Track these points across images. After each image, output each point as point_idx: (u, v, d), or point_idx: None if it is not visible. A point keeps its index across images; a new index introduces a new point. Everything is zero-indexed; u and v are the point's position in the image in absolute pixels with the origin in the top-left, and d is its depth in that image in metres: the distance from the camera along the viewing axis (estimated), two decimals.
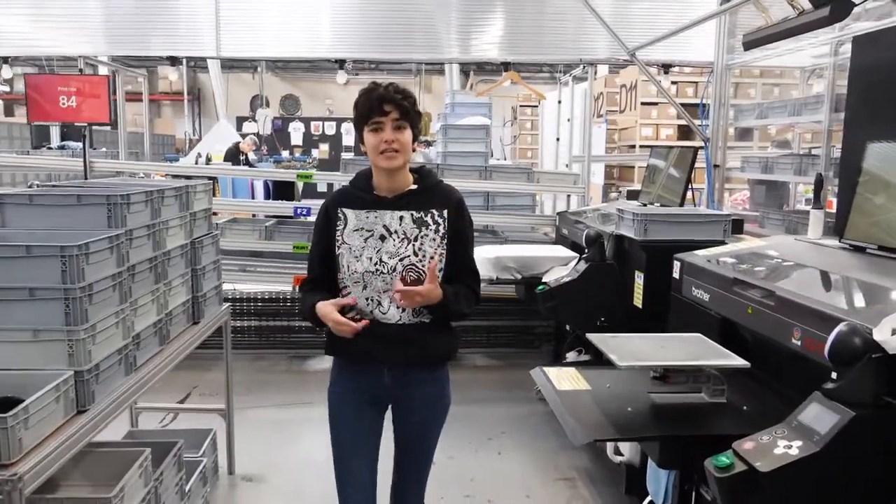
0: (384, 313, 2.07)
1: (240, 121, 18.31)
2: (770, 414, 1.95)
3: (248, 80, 20.31)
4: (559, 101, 5.63)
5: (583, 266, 3.67)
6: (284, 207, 4.93)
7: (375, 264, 2.04)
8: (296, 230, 4.86)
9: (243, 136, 12.18)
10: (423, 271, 2.04)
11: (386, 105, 2.01)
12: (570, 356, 4.04)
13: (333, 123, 19.31)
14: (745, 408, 2.12)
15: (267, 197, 5.96)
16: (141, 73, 7.31)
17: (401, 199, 2.09)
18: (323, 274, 2.15)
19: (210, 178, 6.85)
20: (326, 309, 2.02)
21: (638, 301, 3.41)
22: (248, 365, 5.33)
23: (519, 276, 3.96)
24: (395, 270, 2.04)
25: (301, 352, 5.47)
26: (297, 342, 5.44)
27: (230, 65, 20.24)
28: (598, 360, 3.65)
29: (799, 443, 1.53)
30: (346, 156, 18.59)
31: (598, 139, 5.90)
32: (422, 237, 2.06)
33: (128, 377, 2.43)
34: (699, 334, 2.32)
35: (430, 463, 2.30)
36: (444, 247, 2.09)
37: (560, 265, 3.96)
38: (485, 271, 3.93)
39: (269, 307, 5.35)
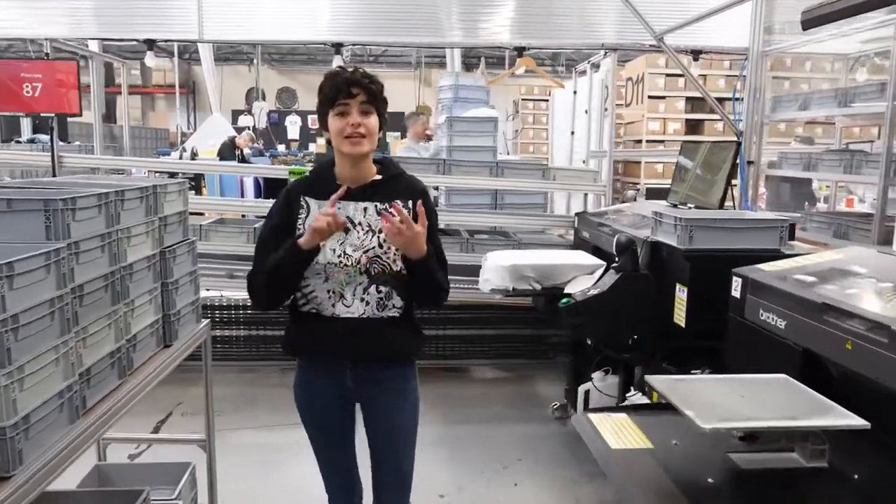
0: (347, 306, 1.98)
1: (235, 114, 17.77)
2: (888, 482, 1.50)
3: (243, 72, 19.75)
4: (574, 92, 5.14)
5: (612, 277, 3.19)
6: None
7: (339, 256, 1.97)
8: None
9: (238, 129, 11.64)
10: (388, 264, 1.98)
11: (353, 87, 1.93)
12: (597, 377, 3.56)
13: None
14: (855, 476, 1.64)
15: (258, 195, 5.45)
16: (126, 63, 6.74)
17: (365, 190, 2.02)
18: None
19: (196, 174, 6.42)
20: (311, 226, 1.88)
21: (680, 319, 2.93)
22: (236, 378, 4.85)
23: (538, 287, 3.47)
24: (359, 263, 1.97)
25: (293, 363, 4.96)
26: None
27: (224, 57, 19.69)
28: (634, 387, 3.26)
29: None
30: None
31: (585, 134, 5.40)
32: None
33: (75, 424, 1.94)
34: (785, 377, 1.83)
35: (410, 478, 2.18)
36: None
37: (584, 274, 3.47)
38: (500, 281, 3.44)
39: (258, 316, 4.86)
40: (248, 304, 4.83)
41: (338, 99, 1.94)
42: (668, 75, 10.60)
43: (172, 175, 5.41)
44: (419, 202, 1.98)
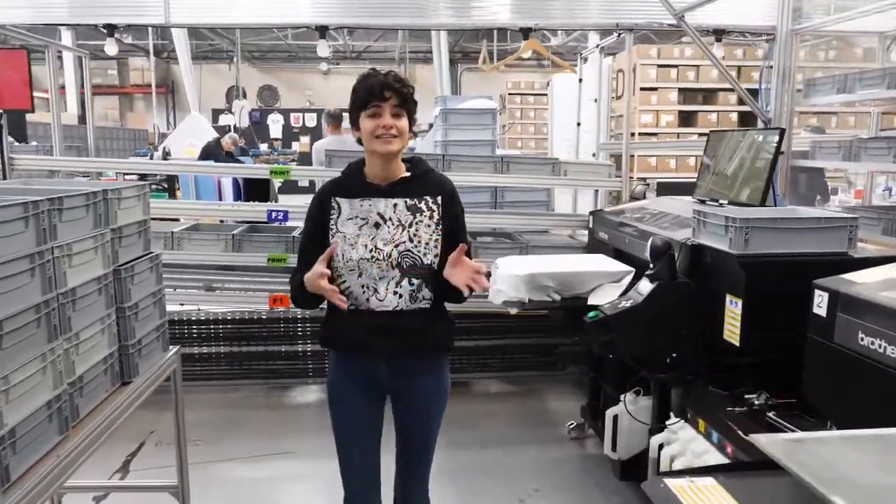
0: (381, 300, 2.04)
1: (216, 113, 17.16)
2: None
3: (223, 70, 19.13)
4: (580, 80, 4.68)
5: (647, 286, 2.73)
6: (256, 211, 3.92)
7: (371, 251, 2.02)
8: (270, 239, 3.86)
9: (220, 130, 11.08)
10: (419, 258, 2.03)
11: (386, 91, 1.97)
12: (628, 399, 3.11)
13: (314, 115, 18.21)
14: None
15: (238, 198, 4.96)
16: (101, 62, 6.16)
17: (394, 187, 2.06)
18: (313, 264, 2.01)
19: (169, 176, 5.90)
20: (311, 275, 1.96)
21: (731, 335, 2.48)
22: (218, 399, 4.35)
23: (557, 298, 3.02)
24: (390, 257, 2.02)
25: (281, 381, 4.49)
26: (275, 370, 4.46)
27: (204, 55, 19.05)
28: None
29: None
30: (327, 147, 17.59)
31: (593, 125, 4.93)
32: (416, 223, 2.05)
33: None
34: None
35: (432, 454, 2.26)
36: (439, 233, 2.06)
37: (610, 282, 3.02)
38: (514, 292, 2.98)
39: (241, 330, 4.36)
40: (229, 317, 4.34)
41: (370, 101, 1.98)
42: (659, 66, 10.18)
43: (144, 178, 4.90)
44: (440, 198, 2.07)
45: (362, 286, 2.03)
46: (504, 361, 4.61)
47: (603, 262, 3.17)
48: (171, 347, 2.57)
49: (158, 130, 12.85)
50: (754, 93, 4.07)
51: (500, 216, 4.34)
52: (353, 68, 19.91)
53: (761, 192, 3.04)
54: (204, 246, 3.81)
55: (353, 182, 2.08)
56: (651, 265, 2.76)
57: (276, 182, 5.05)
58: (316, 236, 2.07)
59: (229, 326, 4.36)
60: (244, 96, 17.52)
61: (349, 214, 2.04)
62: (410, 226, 2.03)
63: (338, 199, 2.07)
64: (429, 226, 2.05)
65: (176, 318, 4.32)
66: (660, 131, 9.71)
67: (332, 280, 1.98)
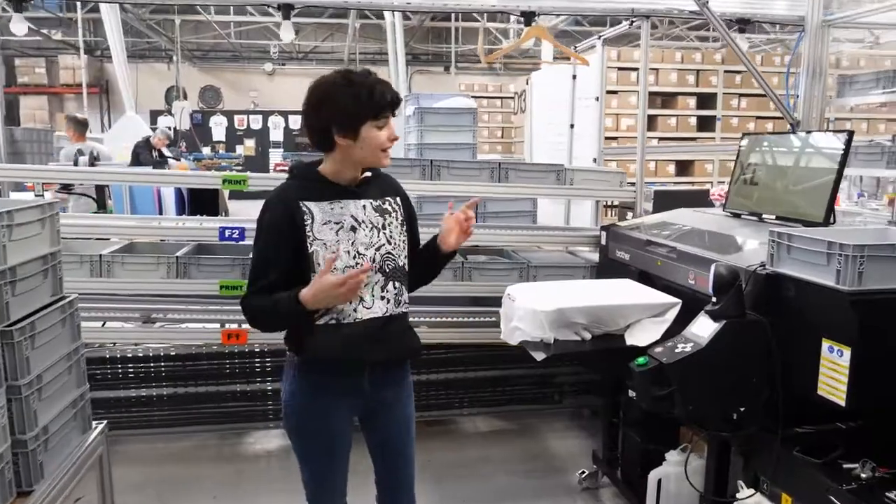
0: (368, 308, 1.90)
1: (154, 115, 16.04)
2: None
3: (162, 70, 17.95)
4: (573, 76, 4.11)
5: (709, 325, 2.16)
6: (204, 228, 3.17)
7: (354, 258, 1.87)
8: (223, 262, 3.12)
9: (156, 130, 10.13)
10: (397, 259, 1.95)
11: (397, 106, 1.88)
12: (673, 458, 2.53)
13: (259, 117, 17.26)
14: None
15: (181, 210, 4.14)
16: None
17: (360, 188, 1.93)
18: (277, 283, 1.82)
19: (98, 186, 5.02)
20: (320, 284, 1.72)
21: (833, 392, 1.92)
22: (160, 452, 3.60)
23: (588, 337, 2.41)
24: (374, 261, 1.90)
25: (236, 426, 3.75)
26: (230, 413, 3.71)
27: (140, 53, 17.83)
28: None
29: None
30: (275, 152, 16.65)
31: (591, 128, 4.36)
32: (388, 225, 1.95)
33: None
34: None
35: (414, 465, 2.13)
36: (405, 234, 1.99)
37: (650, 316, 2.44)
38: (537, 331, 2.37)
39: (187, 368, 3.60)
40: (172, 353, 3.58)
41: (384, 112, 1.85)
42: (619, 69, 9.79)
43: (67, 187, 4.08)
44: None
45: None
46: (494, 394, 3.97)
47: (641, 292, 2.58)
48: (94, 425, 1.84)
49: (90, 132, 11.72)
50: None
51: (498, 232, 3.66)
52: (300, 69, 18.99)
53: (825, 208, 2.51)
54: (138, 272, 3.04)
55: (315, 185, 1.90)
56: (714, 299, 2.19)
57: (226, 190, 4.30)
58: (283, 250, 1.83)
59: (173, 364, 3.60)
60: (185, 97, 16.44)
61: (322, 219, 1.86)
62: (384, 227, 1.93)
63: (306, 203, 1.86)
64: (398, 227, 1.97)
65: (108, 356, 3.54)
66: (620, 135, 9.32)
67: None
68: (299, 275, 1.81)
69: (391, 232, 1.93)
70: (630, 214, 4.77)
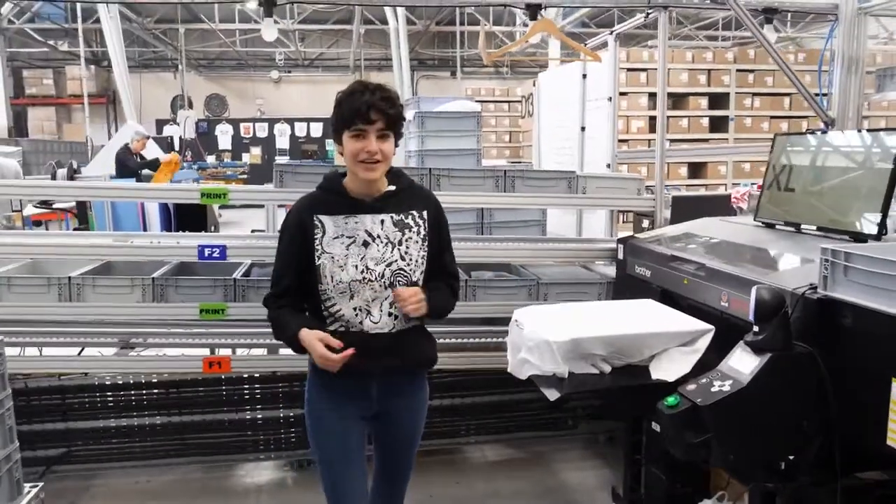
0: (375, 322, 1.93)
1: (160, 124, 15.90)
2: None
3: (168, 79, 17.79)
4: (584, 76, 3.80)
5: (750, 359, 1.84)
6: (181, 247, 2.87)
7: (362, 272, 1.90)
8: (204, 283, 2.82)
9: (163, 141, 9.87)
10: (410, 276, 1.94)
11: (373, 113, 1.82)
12: None
13: (265, 125, 17.04)
14: None
15: (167, 225, 3.86)
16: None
17: (379, 202, 1.94)
18: (293, 286, 1.96)
19: (79, 202, 4.74)
20: (311, 340, 1.86)
21: None
22: (143, 486, 3.30)
23: (607, 370, 2.09)
24: (383, 277, 1.91)
25: (225, 458, 3.44)
26: (217, 444, 3.40)
27: (146, 63, 17.68)
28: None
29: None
30: (280, 160, 16.39)
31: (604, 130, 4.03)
32: (406, 240, 1.94)
33: None
34: None
35: (409, 477, 2.19)
36: (425, 249, 1.97)
37: (678, 345, 2.11)
38: (549, 364, 2.04)
39: (170, 396, 3.30)
40: (155, 380, 3.28)
41: (355, 123, 1.83)
42: (629, 70, 9.46)
43: (46, 203, 3.80)
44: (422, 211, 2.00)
45: (354, 309, 1.92)
46: (502, 421, 3.65)
47: (668, 317, 2.25)
48: (27, 489, 1.54)
49: (92, 143, 11.52)
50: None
51: (504, 246, 3.31)
52: (306, 76, 18.79)
53: (878, 219, 2.17)
54: (112, 294, 2.75)
55: (334, 198, 1.94)
56: (755, 328, 1.87)
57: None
58: (297, 257, 1.93)
59: (156, 392, 3.30)
60: (190, 106, 16.26)
61: (334, 233, 1.91)
62: (400, 243, 1.93)
63: (320, 216, 1.92)
64: (417, 242, 1.95)
65: (85, 383, 3.25)
66: (631, 138, 8.99)
67: (319, 304, 1.93)
68: (310, 282, 1.92)
69: (408, 248, 1.93)
70: (647, 223, 4.43)
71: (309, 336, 1.87)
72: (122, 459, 3.35)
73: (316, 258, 1.89)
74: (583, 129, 3.90)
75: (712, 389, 1.83)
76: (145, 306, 2.77)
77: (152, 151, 8.31)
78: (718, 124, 10.08)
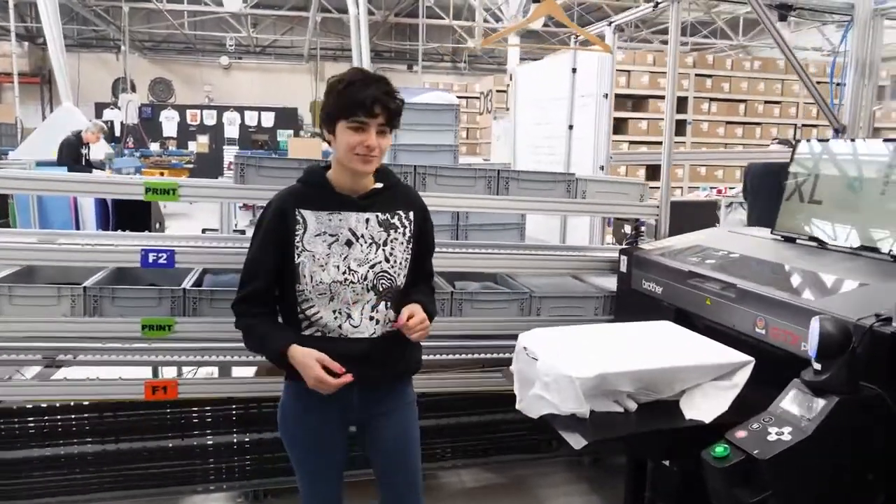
0: (355, 326, 1.81)
1: (99, 108, 14.99)
2: None
3: (110, 60, 16.80)
4: (573, 70, 3.49)
5: (813, 402, 1.56)
6: (121, 251, 2.41)
7: (344, 273, 1.78)
8: (147, 295, 2.38)
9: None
10: (394, 279, 1.83)
11: (377, 107, 1.70)
12: None
13: (214, 112, 16.27)
14: None
15: (104, 225, 3.35)
16: None
17: (366, 200, 1.82)
18: (267, 288, 1.81)
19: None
20: (307, 361, 1.72)
21: None
22: None
23: (632, 407, 1.79)
24: (366, 279, 1.80)
25: (170, 490, 2.99)
26: (162, 475, 2.96)
27: (85, 42, 16.65)
28: None
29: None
30: (230, 149, 15.67)
31: (598, 129, 3.75)
32: (391, 241, 1.83)
33: None
34: None
35: (419, 468, 2.04)
36: (410, 251, 1.86)
37: (710, 379, 1.82)
38: (570, 403, 1.73)
39: (106, 420, 2.84)
40: (86, 403, 2.81)
41: (357, 114, 1.70)
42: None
43: None
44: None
45: (334, 311, 1.80)
46: (480, 443, 3.31)
47: (700, 346, 1.95)
48: None
49: (22, 125, 10.66)
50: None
51: (492, 255, 2.92)
52: (257, 63, 18.05)
53: None
54: (35, 307, 2.29)
55: (319, 192, 1.82)
56: (817, 365, 1.58)
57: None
58: (273, 255, 1.79)
59: (87, 416, 2.84)
60: (133, 90, 15.38)
61: (316, 230, 1.79)
62: (385, 244, 1.83)
63: (302, 211, 1.79)
64: (402, 243, 1.85)
65: (3, 408, 2.77)
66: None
67: (293, 306, 1.80)
68: (285, 283, 1.79)
69: (393, 249, 1.83)
70: (627, 227, 4.16)
71: (304, 356, 1.73)
72: (49, 495, 2.87)
73: (295, 256, 1.77)
74: (570, 127, 3.59)
75: (769, 438, 1.55)
76: (74, 321, 2.32)
77: (102, 149, 7.71)
78: (676, 127, 10.01)
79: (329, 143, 1.79)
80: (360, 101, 1.68)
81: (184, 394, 2.55)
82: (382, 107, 1.70)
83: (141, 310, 2.39)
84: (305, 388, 1.79)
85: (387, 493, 2.02)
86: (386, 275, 1.82)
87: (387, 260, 1.82)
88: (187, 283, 2.54)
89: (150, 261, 2.34)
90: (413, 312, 1.77)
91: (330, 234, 1.78)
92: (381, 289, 1.81)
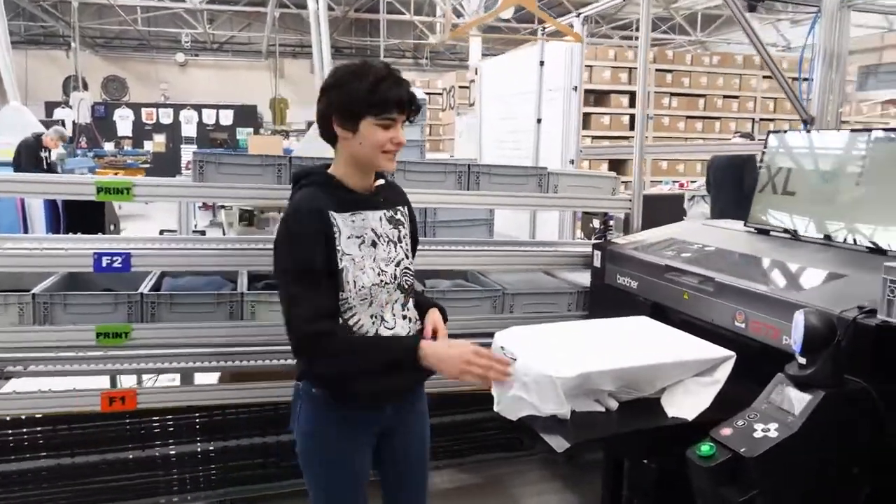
0: (390, 328, 1.72)
1: (50, 106, 14.50)
2: None
3: (59, 57, 16.24)
4: (541, 62, 3.44)
5: (798, 397, 1.52)
6: (73, 254, 2.26)
7: (379, 275, 1.70)
8: (101, 301, 2.24)
9: (48, 125, 8.81)
10: (411, 274, 1.79)
11: (412, 104, 1.67)
12: None
13: (170, 111, 15.88)
14: None
15: (54, 228, 3.16)
16: None
17: (376, 197, 1.75)
18: (333, 295, 1.63)
19: None
20: (455, 345, 1.63)
21: None
22: None
23: (613, 406, 1.74)
24: (395, 278, 1.73)
25: None
26: (119, 488, 2.81)
27: (33, 38, 16.07)
28: None
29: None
30: (187, 148, 15.30)
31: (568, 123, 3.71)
32: (402, 237, 1.78)
33: None
34: None
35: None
36: (410, 246, 1.83)
37: (692, 376, 1.78)
38: (550, 404, 1.66)
39: (63, 435, 2.69)
40: (39, 416, 2.66)
41: (390, 111, 1.62)
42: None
43: None
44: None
45: (371, 316, 1.70)
46: (454, 444, 3.25)
47: (681, 342, 1.91)
48: None
49: None
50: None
51: (462, 252, 2.83)
52: (214, 60, 17.66)
53: None
54: None
55: (335, 193, 1.68)
56: (802, 359, 1.55)
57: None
58: (323, 259, 1.62)
59: (42, 429, 2.68)
60: (85, 88, 14.87)
61: (347, 232, 1.67)
62: (399, 241, 1.77)
63: (333, 213, 1.66)
64: (407, 237, 1.81)
65: None
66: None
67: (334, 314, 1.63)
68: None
69: (405, 245, 1.79)
70: (596, 222, 4.13)
71: (441, 344, 1.67)
72: None
73: (339, 261, 1.65)
74: (539, 121, 3.54)
75: (755, 435, 1.51)
76: (24, 330, 2.18)
77: (57, 153, 7.43)
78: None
79: (332, 139, 1.68)
80: (395, 98, 1.61)
81: (143, 404, 2.42)
82: (414, 104, 1.67)
83: (95, 316, 2.25)
84: (340, 405, 1.70)
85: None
86: (408, 271, 1.79)
87: (406, 256, 1.79)
88: (145, 288, 2.40)
89: (104, 265, 2.20)
90: (436, 325, 1.78)
91: (357, 236, 1.69)
92: (405, 286, 1.77)
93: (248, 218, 7.83)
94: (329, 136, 1.69)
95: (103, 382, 3.01)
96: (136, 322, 2.28)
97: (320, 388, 1.70)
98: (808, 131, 2.83)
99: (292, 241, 1.63)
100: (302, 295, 1.58)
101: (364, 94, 1.60)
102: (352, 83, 1.62)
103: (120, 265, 2.23)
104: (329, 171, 1.72)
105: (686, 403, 1.75)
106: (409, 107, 1.65)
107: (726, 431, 1.54)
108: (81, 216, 3.13)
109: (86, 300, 2.26)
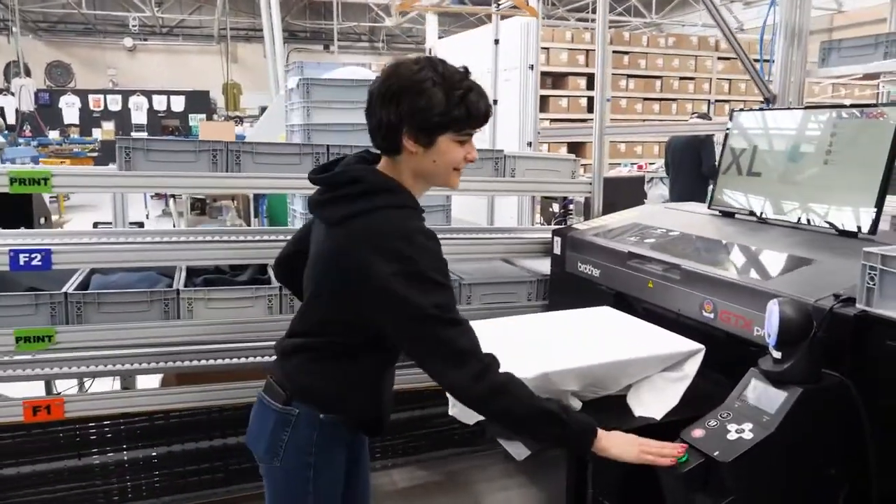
0: None
1: None
2: None
3: (1, 43, 15.42)
4: (496, 41, 3.28)
5: (774, 394, 1.41)
6: None
7: None
8: (20, 302, 2.02)
9: None
10: None
11: (487, 121, 1.49)
12: None
13: (119, 97, 15.26)
14: None
15: None
16: None
17: None
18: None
19: None
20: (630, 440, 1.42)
21: None
22: None
23: (578, 406, 1.61)
24: None
25: None
26: (53, 500, 2.60)
27: None
28: None
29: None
30: (138, 135, 14.73)
31: (524, 104, 3.57)
32: None
33: None
34: None
35: None
36: None
37: (661, 371, 1.66)
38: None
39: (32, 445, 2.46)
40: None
41: (473, 126, 1.46)
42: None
43: None
44: None
45: None
46: (410, 440, 3.12)
47: (647, 335, 1.78)
48: None
49: None
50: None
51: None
52: (164, 45, 17.03)
53: (873, 212, 1.82)
54: None
55: (420, 214, 1.50)
56: (776, 353, 1.44)
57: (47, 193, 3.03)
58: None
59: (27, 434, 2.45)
60: (28, 74, 14.17)
61: None
62: None
63: None
64: None
65: None
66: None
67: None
68: None
69: None
70: (556, 206, 4.01)
71: (629, 435, 1.43)
72: None
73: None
74: (495, 101, 3.38)
75: (729, 437, 1.39)
76: None
77: None
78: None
79: (395, 150, 1.43)
80: (484, 113, 1.44)
81: (72, 412, 2.21)
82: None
83: (14, 319, 2.03)
84: (339, 435, 1.55)
85: None
86: None
87: None
88: (70, 287, 2.18)
89: (22, 262, 1.98)
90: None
91: None
92: None
93: (200, 207, 7.51)
94: (391, 148, 1.44)
95: (37, 389, 2.79)
96: (60, 324, 2.06)
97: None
98: (773, 109, 2.73)
99: (432, 270, 1.37)
100: (463, 344, 1.36)
101: (451, 106, 1.38)
102: (433, 92, 1.38)
103: (40, 262, 2.00)
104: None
105: (654, 401, 1.63)
106: (484, 122, 1.47)
107: (698, 433, 1.43)
108: (16, 216, 2.87)
109: (2, 301, 2.03)
